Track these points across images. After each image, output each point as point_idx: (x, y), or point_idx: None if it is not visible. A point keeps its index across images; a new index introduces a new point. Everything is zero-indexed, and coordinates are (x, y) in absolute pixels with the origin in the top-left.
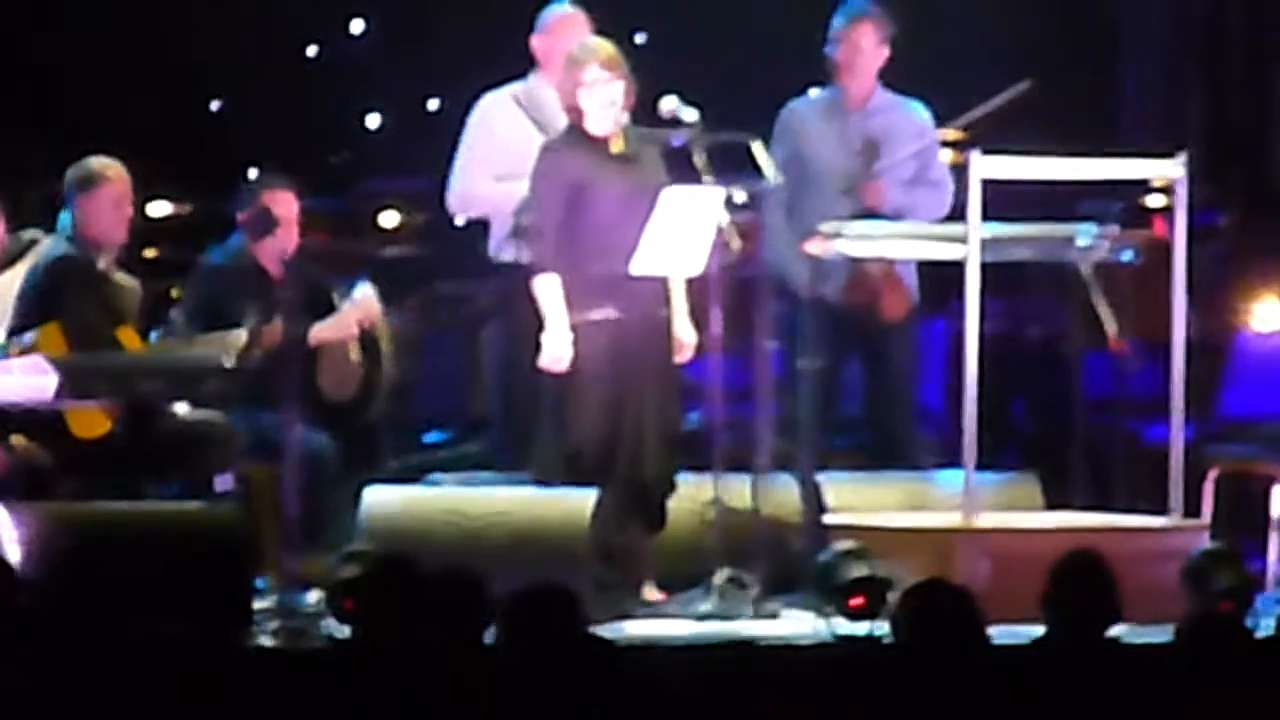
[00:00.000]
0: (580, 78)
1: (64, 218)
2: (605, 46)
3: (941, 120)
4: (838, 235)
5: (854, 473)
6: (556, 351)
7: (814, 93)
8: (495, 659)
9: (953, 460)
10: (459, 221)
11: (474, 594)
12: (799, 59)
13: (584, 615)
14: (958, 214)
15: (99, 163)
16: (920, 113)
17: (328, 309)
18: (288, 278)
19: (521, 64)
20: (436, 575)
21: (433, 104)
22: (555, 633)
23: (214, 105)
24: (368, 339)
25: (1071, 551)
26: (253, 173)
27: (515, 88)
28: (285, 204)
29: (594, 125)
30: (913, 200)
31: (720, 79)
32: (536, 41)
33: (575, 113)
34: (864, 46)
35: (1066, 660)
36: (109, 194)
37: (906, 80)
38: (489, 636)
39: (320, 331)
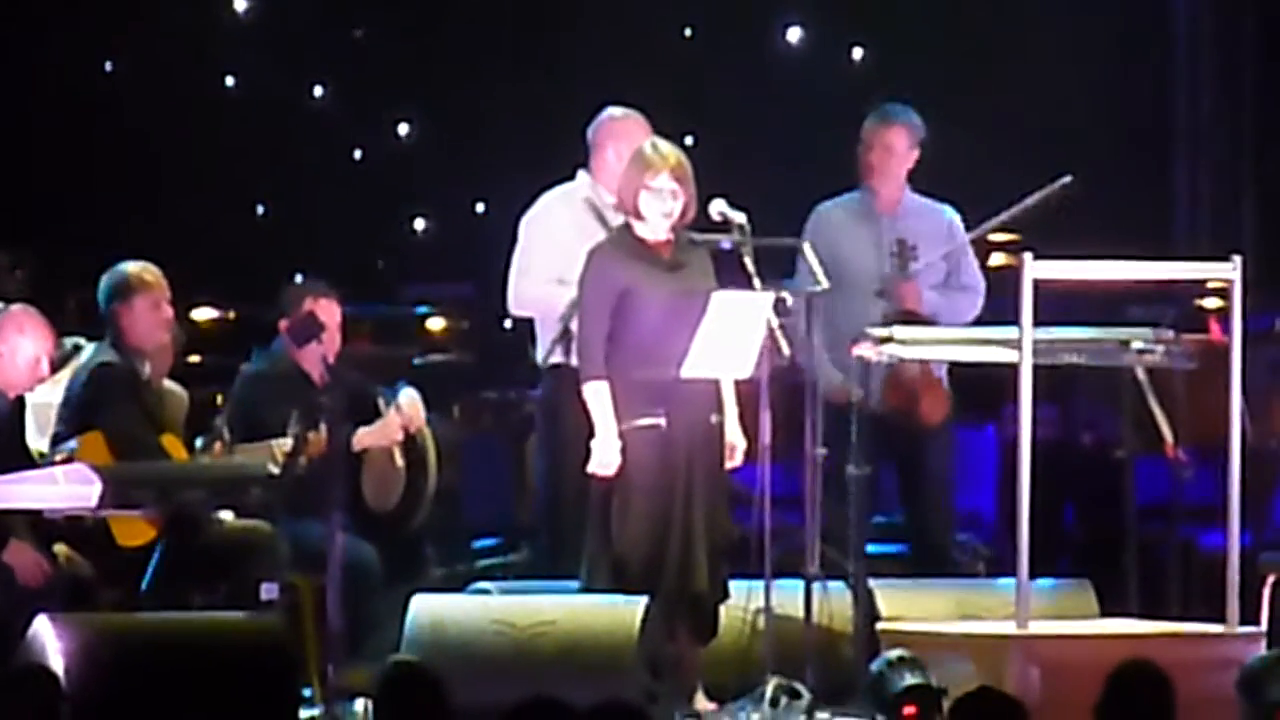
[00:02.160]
0: (646, 182)
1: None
2: (677, 154)
3: (974, 222)
4: (889, 339)
5: (905, 580)
6: (606, 459)
7: (843, 196)
8: None
9: (1005, 567)
10: (509, 323)
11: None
12: (845, 164)
13: None
14: (1009, 317)
15: (134, 268)
16: (949, 215)
17: (371, 415)
18: (331, 384)
19: (566, 167)
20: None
21: (479, 207)
22: None
23: (259, 210)
24: (412, 446)
25: (1128, 660)
26: (298, 278)
27: (579, 188)
28: (328, 310)
29: (648, 230)
30: (946, 303)
31: (768, 183)
32: (598, 142)
33: (633, 214)
34: (896, 150)
35: None
36: (146, 300)
37: (957, 181)
38: None
39: (364, 438)
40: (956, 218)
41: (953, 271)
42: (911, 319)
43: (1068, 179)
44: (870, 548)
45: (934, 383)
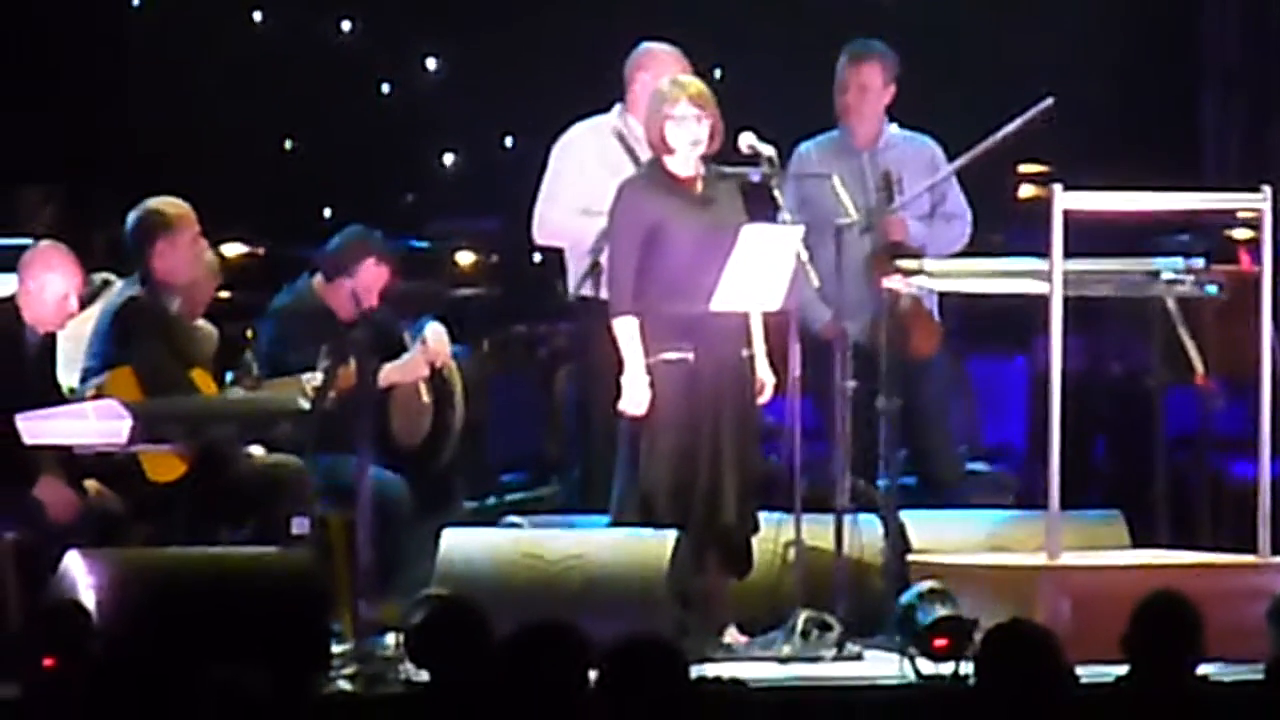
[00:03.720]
0: (669, 111)
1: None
2: (696, 83)
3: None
4: (919, 271)
5: (935, 512)
6: (636, 395)
7: (824, 135)
8: (596, 707)
9: (1035, 499)
10: (538, 257)
11: (568, 645)
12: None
13: (687, 667)
14: (1040, 249)
15: (164, 204)
16: (931, 146)
17: (398, 351)
18: (359, 319)
19: (598, 101)
20: (531, 626)
21: (508, 141)
22: (661, 684)
23: (287, 144)
24: (439, 380)
25: (1156, 591)
26: (327, 212)
27: (610, 120)
28: (378, 272)
29: (678, 163)
30: (932, 234)
31: (798, 116)
32: (630, 75)
33: (661, 147)
34: (871, 86)
35: (1150, 699)
36: (176, 236)
37: (981, 113)
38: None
39: (391, 373)
40: (938, 149)
41: (938, 202)
42: (898, 252)
43: (1049, 101)
44: (900, 480)
45: (925, 315)
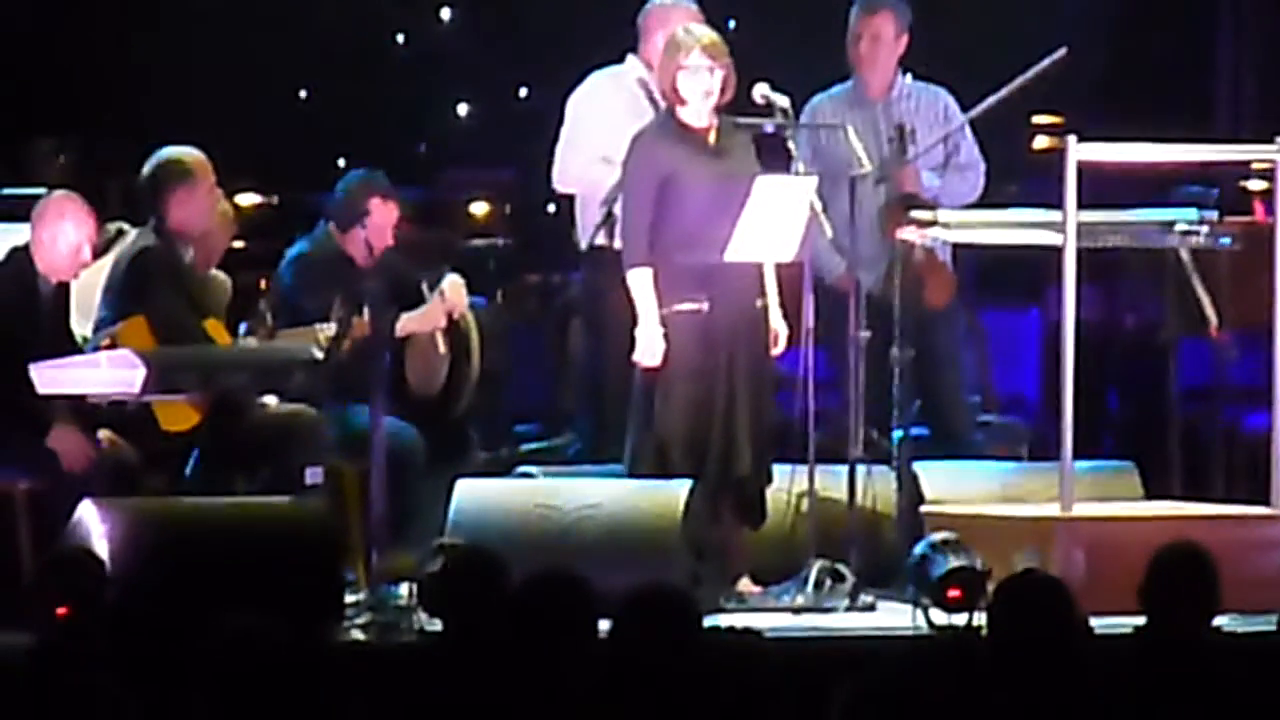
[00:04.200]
0: (682, 61)
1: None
2: (709, 33)
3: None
4: (934, 223)
5: (949, 462)
6: (651, 347)
7: (836, 87)
8: (609, 656)
9: (1049, 450)
10: (552, 207)
11: (576, 595)
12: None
13: (700, 617)
14: (1053, 200)
15: (181, 154)
16: (944, 97)
17: (415, 301)
18: (374, 269)
19: (609, 53)
20: (538, 576)
21: (522, 92)
22: (675, 633)
23: (301, 94)
24: (455, 331)
25: (1172, 542)
26: (341, 163)
27: (630, 69)
28: (386, 210)
29: (691, 114)
30: (945, 184)
31: (812, 67)
32: (646, 26)
33: (673, 97)
34: (884, 37)
35: (1168, 651)
36: (192, 186)
37: (992, 61)
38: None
39: (407, 323)
40: (951, 99)
41: (951, 153)
42: (912, 203)
43: (1062, 51)
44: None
45: (938, 266)
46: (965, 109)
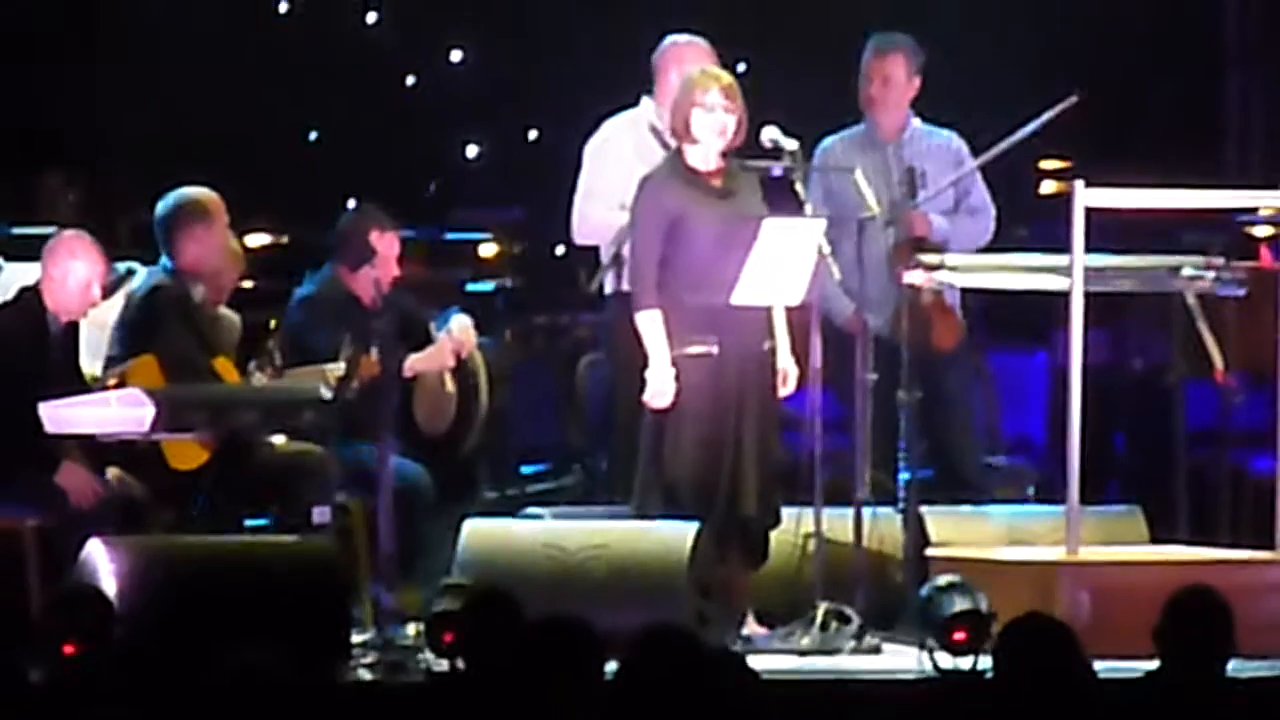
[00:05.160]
0: (698, 99)
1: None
2: (726, 75)
3: (978, 145)
4: (940, 266)
5: (956, 506)
6: (661, 388)
7: (848, 129)
8: (616, 697)
9: (1055, 493)
10: (560, 249)
11: (582, 638)
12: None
13: (707, 656)
14: (1061, 245)
15: (195, 194)
16: (955, 141)
17: (423, 340)
18: (383, 308)
19: (621, 94)
20: (543, 622)
21: (532, 134)
22: (681, 674)
23: (312, 135)
24: (463, 370)
25: (1188, 585)
26: (351, 203)
27: (643, 113)
28: (387, 242)
29: (699, 156)
30: (955, 228)
31: (822, 109)
32: (661, 66)
33: (685, 136)
34: (895, 80)
35: (1181, 696)
36: (205, 226)
37: (997, 102)
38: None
39: (416, 363)
40: (963, 143)
41: (962, 197)
42: (920, 246)
43: (1075, 97)
44: (919, 473)
45: (947, 310)
46: (976, 153)
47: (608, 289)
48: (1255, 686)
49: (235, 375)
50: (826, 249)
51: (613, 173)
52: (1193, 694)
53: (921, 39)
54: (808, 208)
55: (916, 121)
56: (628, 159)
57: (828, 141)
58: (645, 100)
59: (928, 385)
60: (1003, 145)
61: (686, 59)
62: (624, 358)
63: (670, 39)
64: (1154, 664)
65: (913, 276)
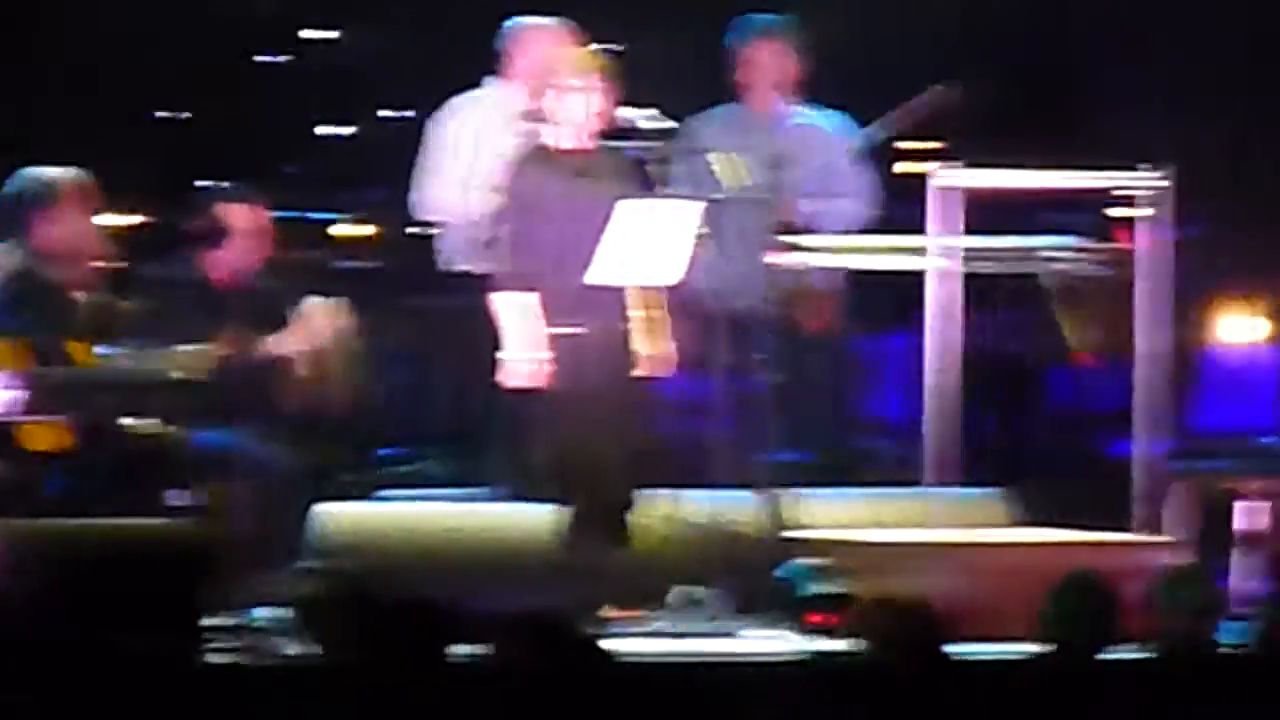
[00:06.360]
0: (555, 82)
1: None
2: (584, 54)
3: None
4: (809, 248)
5: (816, 488)
6: (517, 369)
7: (718, 108)
8: (485, 682)
9: (919, 476)
10: (420, 231)
11: (434, 620)
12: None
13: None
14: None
15: (53, 174)
16: (830, 124)
17: (282, 323)
18: (241, 290)
19: (476, 75)
20: (396, 602)
21: (392, 114)
22: (546, 658)
23: (173, 115)
24: (321, 353)
25: (1072, 571)
26: (206, 184)
27: (490, 93)
28: (242, 217)
29: (561, 136)
30: (824, 210)
31: (694, 89)
32: (506, 47)
33: (543, 118)
34: (765, 64)
35: (1057, 678)
36: (65, 207)
37: (880, 90)
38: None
39: (274, 345)
40: (834, 124)
41: (831, 178)
42: (788, 227)
43: (939, 87)
44: (778, 456)
45: (814, 291)
46: (847, 135)
47: (461, 268)
48: (1129, 668)
49: (92, 358)
50: (691, 229)
51: (455, 150)
52: (1068, 676)
53: (802, 22)
54: (671, 187)
55: (789, 103)
56: (470, 137)
57: (695, 121)
58: (488, 80)
59: (794, 368)
60: (872, 128)
61: (535, 40)
62: (482, 341)
63: (518, 20)
64: (1027, 647)
65: (781, 258)
